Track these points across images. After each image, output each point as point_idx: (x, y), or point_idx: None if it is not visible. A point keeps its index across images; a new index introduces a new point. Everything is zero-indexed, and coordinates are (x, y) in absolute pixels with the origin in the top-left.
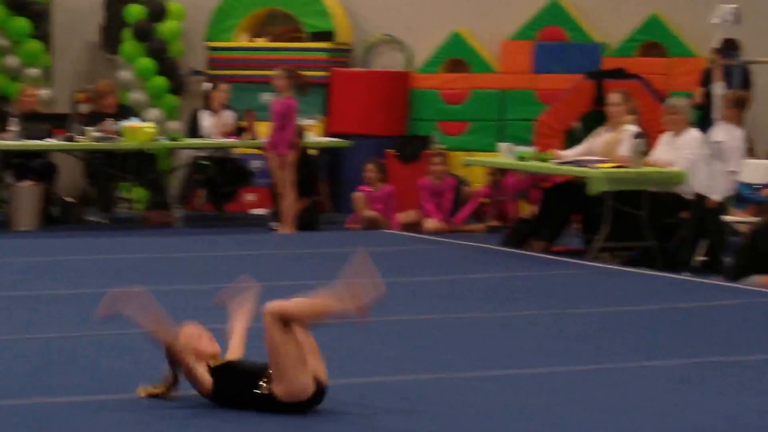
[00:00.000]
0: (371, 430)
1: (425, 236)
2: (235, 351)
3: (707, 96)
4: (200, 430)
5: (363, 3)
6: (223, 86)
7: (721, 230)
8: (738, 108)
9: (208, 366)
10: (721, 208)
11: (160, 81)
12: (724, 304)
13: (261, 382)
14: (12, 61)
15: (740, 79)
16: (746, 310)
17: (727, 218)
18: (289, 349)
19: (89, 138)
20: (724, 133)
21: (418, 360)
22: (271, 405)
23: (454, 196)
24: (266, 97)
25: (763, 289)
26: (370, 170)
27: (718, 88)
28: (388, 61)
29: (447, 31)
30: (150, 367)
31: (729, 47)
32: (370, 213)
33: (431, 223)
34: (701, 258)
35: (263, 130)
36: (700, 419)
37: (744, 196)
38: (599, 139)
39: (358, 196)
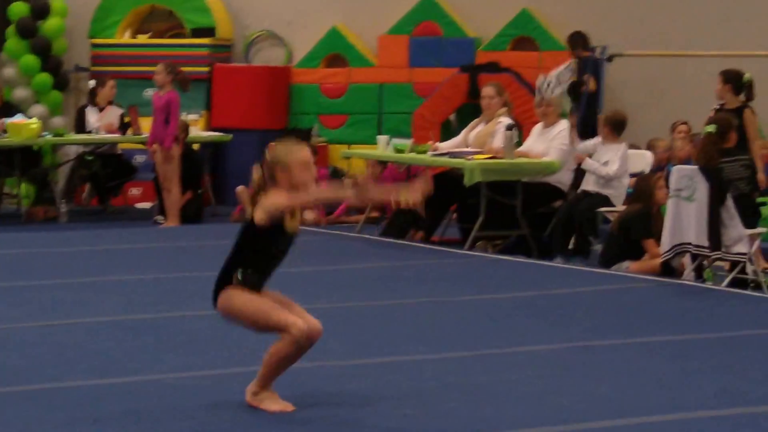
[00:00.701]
0: (253, 420)
1: (306, 228)
2: None
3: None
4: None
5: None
6: (110, 83)
7: (592, 218)
8: (616, 129)
9: None
10: (593, 196)
11: (44, 78)
12: (597, 290)
13: None
14: None
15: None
16: (617, 295)
17: (601, 209)
18: (254, 305)
19: None
20: (606, 152)
21: None
22: None
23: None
24: (149, 92)
25: (634, 275)
26: (255, 169)
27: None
28: (269, 57)
29: (326, 27)
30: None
31: (582, 43)
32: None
33: (311, 215)
34: (573, 246)
35: (147, 125)
36: (575, 402)
37: None
38: (474, 132)
39: (242, 189)
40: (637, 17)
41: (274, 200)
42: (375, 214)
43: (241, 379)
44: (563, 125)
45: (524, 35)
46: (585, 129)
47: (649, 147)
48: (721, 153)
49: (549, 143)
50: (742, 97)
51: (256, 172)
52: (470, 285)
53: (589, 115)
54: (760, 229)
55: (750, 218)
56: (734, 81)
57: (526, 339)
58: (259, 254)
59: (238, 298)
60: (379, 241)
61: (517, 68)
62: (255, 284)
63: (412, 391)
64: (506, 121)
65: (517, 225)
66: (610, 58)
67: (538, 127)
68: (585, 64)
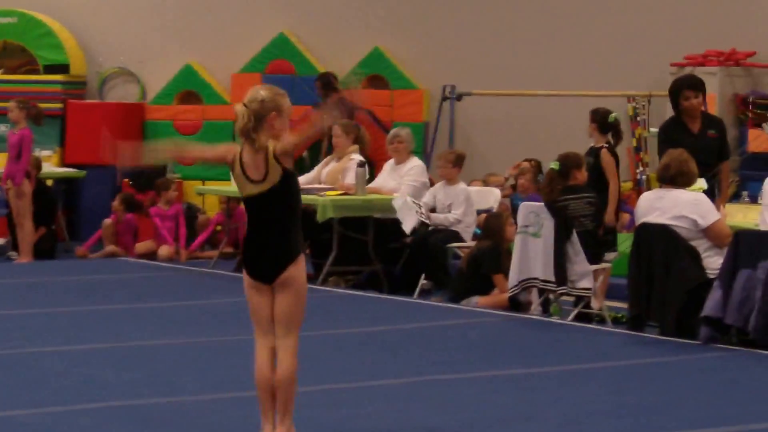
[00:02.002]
0: None
1: (161, 264)
2: None
3: None
4: None
5: (96, 36)
6: None
7: (443, 254)
8: (458, 166)
9: None
10: (443, 232)
11: None
12: (446, 324)
13: None
14: None
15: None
16: (466, 330)
17: (451, 245)
18: None
19: None
20: (448, 195)
21: (154, 384)
22: None
23: (187, 223)
24: (2, 128)
25: (483, 309)
26: (116, 201)
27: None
28: (123, 93)
29: (179, 64)
30: None
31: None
32: (108, 246)
33: (166, 251)
34: (425, 281)
35: (2, 161)
36: None
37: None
38: (326, 168)
39: (108, 224)
40: (486, 56)
41: (290, 140)
42: (229, 249)
43: (93, 414)
44: (415, 162)
45: (376, 73)
46: None
47: (485, 182)
48: (565, 190)
49: (400, 179)
50: (610, 136)
51: (241, 119)
52: (322, 320)
53: None
54: (604, 265)
55: (595, 254)
56: (600, 120)
57: (375, 373)
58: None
59: (304, 271)
60: (233, 276)
61: (369, 106)
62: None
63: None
64: (358, 158)
65: (369, 260)
66: (459, 97)
67: (389, 163)
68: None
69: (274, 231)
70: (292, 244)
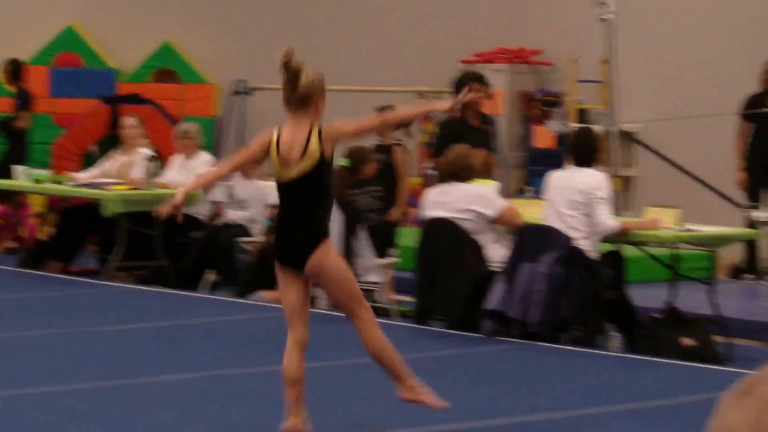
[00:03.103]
0: None
1: None
2: None
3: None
4: None
5: None
6: None
7: (232, 249)
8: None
9: None
10: (232, 227)
11: None
12: (233, 319)
13: None
14: None
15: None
16: (252, 324)
17: (240, 239)
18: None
19: None
20: (244, 191)
21: None
22: None
23: None
24: None
25: (269, 304)
26: None
27: None
28: None
29: None
30: None
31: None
32: None
33: None
34: (211, 275)
35: None
36: (203, 429)
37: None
38: (114, 162)
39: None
40: (278, 51)
41: (351, 126)
42: (12, 245)
43: None
44: (204, 157)
45: (166, 67)
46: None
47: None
48: (353, 184)
49: (190, 174)
50: (397, 134)
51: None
52: (107, 315)
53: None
54: (391, 259)
55: (382, 248)
56: None
57: (161, 368)
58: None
59: (336, 252)
60: (16, 271)
61: (159, 100)
62: None
63: (42, 425)
64: (146, 151)
65: (157, 255)
66: (249, 91)
67: (178, 157)
68: (21, 97)
69: (303, 216)
70: (319, 230)
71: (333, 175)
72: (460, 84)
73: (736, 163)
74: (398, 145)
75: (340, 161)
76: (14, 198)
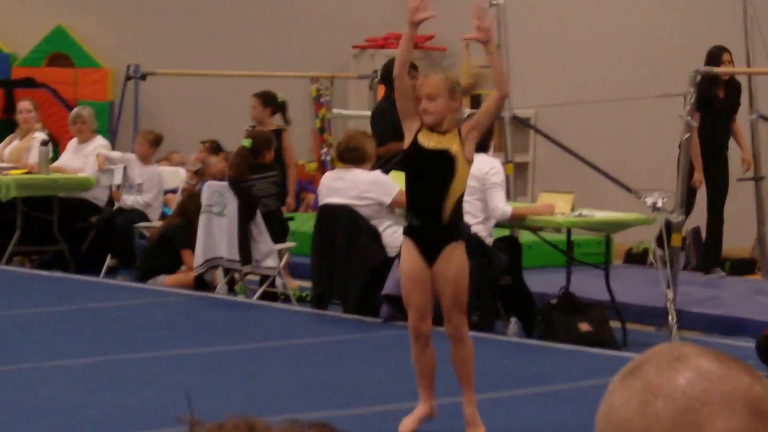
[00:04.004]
0: None
1: None
2: None
3: None
4: None
5: None
6: None
7: (130, 233)
8: (154, 146)
9: None
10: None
11: None
12: (132, 304)
13: None
14: None
15: None
16: (151, 309)
17: (138, 224)
18: None
19: None
20: (141, 175)
21: None
22: None
23: None
24: None
25: (168, 289)
26: None
27: None
28: None
29: None
30: None
31: None
32: None
33: None
34: (111, 260)
35: None
36: (102, 413)
37: None
38: (9, 147)
39: None
40: (172, 36)
41: None
42: None
43: None
44: (99, 141)
45: (60, 52)
46: None
47: (167, 160)
48: (252, 169)
49: (85, 159)
50: (278, 119)
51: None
52: (6, 299)
53: None
54: (289, 244)
55: (279, 233)
56: (272, 103)
57: (60, 353)
58: None
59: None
60: None
61: (53, 84)
62: None
63: None
64: (41, 136)
65: (54, 240)
66: (143, 76)
67: (73, 142)
68: None
69: None
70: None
71: (234, 155)
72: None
73: (696, 163)
74: (284, 130)
75: (242, 142)
76: None
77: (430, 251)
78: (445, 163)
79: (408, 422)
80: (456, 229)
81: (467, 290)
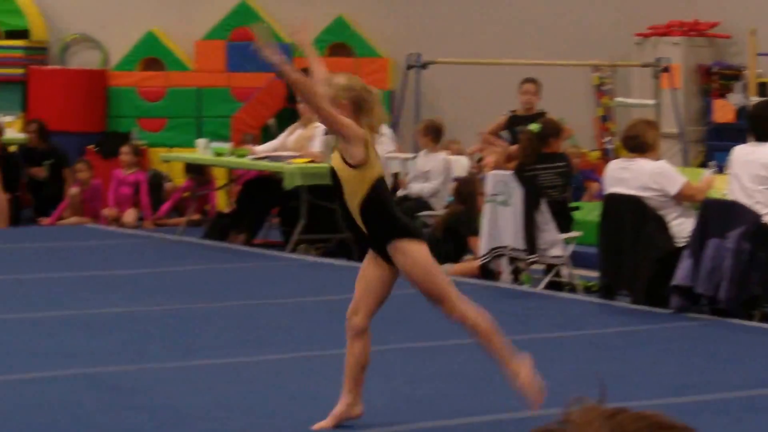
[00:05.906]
0: (84, 423)
1: (129, 231)
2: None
3: None
4: None
5: (56, 2)
6: None
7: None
8: (435, 137)
9: None
10: (413, 200)
11: None
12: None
13: None
14: None
15: None
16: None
17: (420, 212)
18: None
19: None
20: (427, 163)
21: (122, 352)
22: None
23: (154, 190)
24: None
25: (454, 277)
26: (81, 169)
27: None
28: (85, 59)
29: (141, 30)
30: None
31: None
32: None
33: (131, 216)
34: None
35: None
36: (392, 403)
37: None
38: (292, 136)
39: (74, 192)
40: (452, 25)
41: None
42: (197, 216)
43: (61, 382)
44: (383, 130)
45: (340, 41)
46: None
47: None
48: (539, 158)
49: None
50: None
51: None
52: (291, 288)
53: None
54: (574, 233)
55: (565, 223)
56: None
57: (339, 341)
58: None
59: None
60: (201, 243)
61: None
62: None
63: (233, 395)
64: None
65: (338, 228)
66: (424, 65)
67: None
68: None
69: None
70: None
71: (519, 142)
72: None
73: None
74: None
75: (531, 127)
76: (205, 171)
77: (384, 256)
78: (335, 180)
79: (324, 422)
80: (383, 231)
81: (430, 281)
